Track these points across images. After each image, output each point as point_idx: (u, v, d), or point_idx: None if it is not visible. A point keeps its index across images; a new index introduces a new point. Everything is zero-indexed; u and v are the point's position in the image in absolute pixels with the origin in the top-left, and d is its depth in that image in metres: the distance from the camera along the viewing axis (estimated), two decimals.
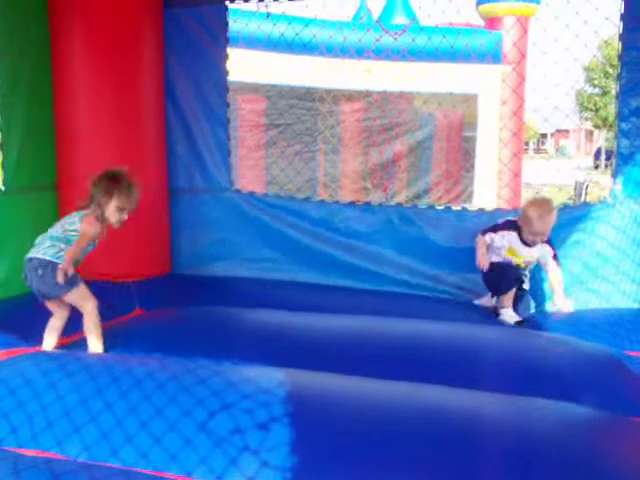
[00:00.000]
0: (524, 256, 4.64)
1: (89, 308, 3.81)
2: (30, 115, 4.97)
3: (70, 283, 3.75)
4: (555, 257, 4.64)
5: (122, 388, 2.97)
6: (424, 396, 2.96)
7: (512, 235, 4.62)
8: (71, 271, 3.69)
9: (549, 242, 4.62)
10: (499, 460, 2.46)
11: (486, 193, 10.82)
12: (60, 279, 3.65)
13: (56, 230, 3.82)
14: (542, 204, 4.58)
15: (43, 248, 3.76)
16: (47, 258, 3.73)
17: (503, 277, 4.62)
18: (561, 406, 2.94)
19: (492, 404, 2.90)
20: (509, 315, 4.52)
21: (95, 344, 3.81)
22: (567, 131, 43.77)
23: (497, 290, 4.68)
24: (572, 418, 2.82)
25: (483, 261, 4.62)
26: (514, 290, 4.61)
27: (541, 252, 4.64)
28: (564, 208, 5.00)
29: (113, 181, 3.82)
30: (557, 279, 4.63)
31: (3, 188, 4.85)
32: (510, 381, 3.32)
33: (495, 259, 4.68)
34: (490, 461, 2.45)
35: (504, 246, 4.65)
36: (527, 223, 4.52)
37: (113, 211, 3.79)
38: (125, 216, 3.85)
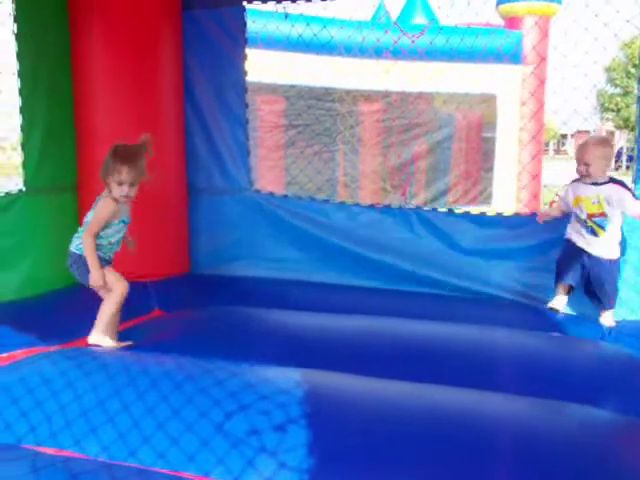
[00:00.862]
0: (588, 196, 4.39)
1: (114, 294, 3.90)
2: (50, 116, 5.01)
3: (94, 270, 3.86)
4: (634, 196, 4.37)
5: (139, 388, 2.98)
6: (441, 398, 2.95)
7: (574, 184, 4.53)
8: (91, 260, 3.80)
9: (624, 185, 4.42)
10: (516, 463, 2.44)
11: (505, 194, 10.77)
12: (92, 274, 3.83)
13: (85, 220, 3.94)
14: (589, 137, 4.59)
15: (74, 240, 3.93)
16: (76, 252, 3.89)
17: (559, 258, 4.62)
18: (580, 409, 2.92)
19: (510, 406, 2.88)
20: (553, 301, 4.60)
21: (96, 333, 3.90)
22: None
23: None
24: (591, 421, 2.80)
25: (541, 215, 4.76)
26: (567, 276, 4.57)
27: (609, 191, 4.35)
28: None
29: (109, 157, 3.85)
30: None
31: (24, 188, 4.89)
32: (529, 383, 3.30)
33: (569, 235, 4.60)
34: (506, 464, 2.44)
35: (571, 200, 4.52)
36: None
37: (115, 187, 3.82)
38: (127, 190, 3.84)
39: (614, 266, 4.43)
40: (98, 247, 3.90)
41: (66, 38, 5.10)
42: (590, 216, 4.41)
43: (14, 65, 4.76)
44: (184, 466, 2.56)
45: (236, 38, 5.54)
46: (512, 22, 11.06)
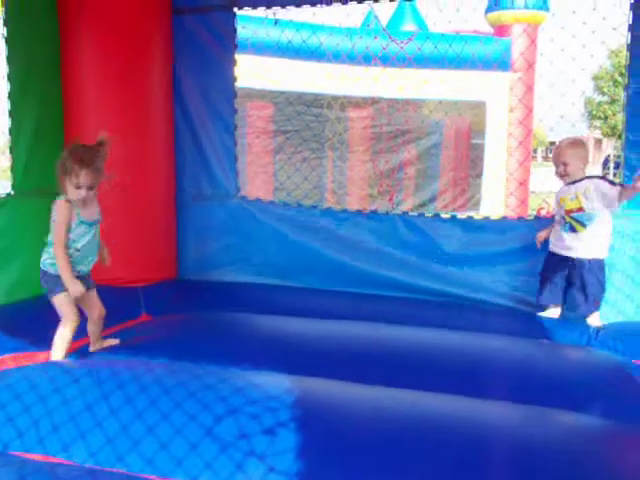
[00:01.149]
0: (569, 194, 4.44)
1: (66, 324, 3.71)
2: (39, 119, 4.99)
3: (50, 288, 3.73)
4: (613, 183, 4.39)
5: (128, 393, 2.98)
6: (430, 404, 2.95)
7: (559, 190, 4.60)
8: (64, 272, 3.62)
9: (601, 177, 4.51)
10: (506, 470, 2.45)
11: (493, 200, 10.81)
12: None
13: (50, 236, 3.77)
14: (563, 139, 4.65)
15: (42, 255, 3.81)
16: (42, 267, 3.79)
17: (542, 272, 4.65)
18: (568, 415, 2.93)
19: (499, 413, 2.89)
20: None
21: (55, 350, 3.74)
22: None
23: None
24: (579, 427, 2.81)
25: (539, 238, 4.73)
26: (552, 285, 4.58)
27: (586, 184, 4.39)
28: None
29: (67, 158, 3.65)
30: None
31: (12, 192, 4.87)
32: (517, 390, 3.31)
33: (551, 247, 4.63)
34: (496, 471, 2.44)
35: (556, 205, 4.63)
36: None
37: (71, 190, 3.63)
38: (85, 194, 3.64)
39: (595, 266, 4.41)
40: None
41: (56, 43, 5.09)
42: (568, 212, 4.44)
43: (3, 68, 4.75)
44: (172, 471, 2.56)
45: (226, 44, 5.54)
46: (500, 30, 11.13)
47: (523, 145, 10.10)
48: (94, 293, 3.97)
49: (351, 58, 9.37)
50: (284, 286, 5.37)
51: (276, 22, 6.55)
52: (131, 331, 4.40)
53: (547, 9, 10.86)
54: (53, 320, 4.01)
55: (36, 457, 2.70)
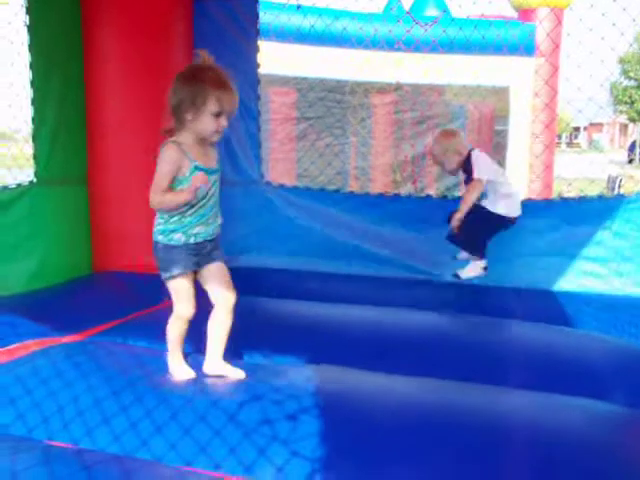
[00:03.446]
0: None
1: (175, 315, 3.12)
2: (62, 108, 5.01)
3: (163, 269, 3.03)
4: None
5: (153, 380, 2.99)
6: (450, 392, 2.94)
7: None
8: (172, 198, 2.90)
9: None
10: (525, 458, 2.42)
11: (518, 186, 10.72)
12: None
13: None
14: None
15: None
16: (153, 238, 3.07)
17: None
18: (588, 403, 2.89)
19: (519, 401, 2.86)
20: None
21: (170, 360, 3.15)
22: (601, 124, 43.16)
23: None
24: (599, 415, 2.77)
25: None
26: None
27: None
28: (600, 198, 4.95)
29: (194, 83, 2.92)
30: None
31: (35, 180, 4.89)
32: (537, 378, 3.27)
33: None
34: (515, 459, 2.41)
35: None
36: None
37: (205, 121, 2.91)
38: (225, 123, 2.94)
39: (480, 213, 4.44)
40: (174, 225, 2.97)
41: (78, 30, 5.09)
42: None
43: (25, 57, 4.76)
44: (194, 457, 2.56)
45: (248, 30, 5.52)
46: (525, 14, 10.98)
47: (549, 128, 9.98)
48: (221, 272, 3.11)
49: (374, 43, 9.30)
50: (308, 271, 5.35)
51: (298, 7, 6.50)
52: (152, 317, 4.41)
53: None
54: (75, 307, 4.03)
55: (59, 444, 2.72)
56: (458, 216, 4.38)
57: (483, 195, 4.53)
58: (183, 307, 3.04)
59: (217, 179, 3.05)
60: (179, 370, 3.08)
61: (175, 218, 2.96)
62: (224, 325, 3.07)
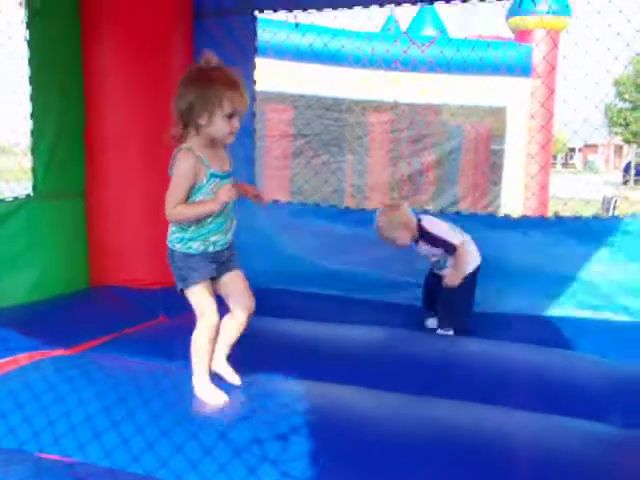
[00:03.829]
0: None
1: (201, 324, 2.95)
2: (61, 122, 5.02)
3: (182, 278, 2.94)
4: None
5: (144, 396, 2.98)
6: (445, 411, 2.93)
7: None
8: (195, 210, 2.83)
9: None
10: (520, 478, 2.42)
11: (513, 206, 10.77)
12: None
13: None
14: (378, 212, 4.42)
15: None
16: (168, 245, 3.02)
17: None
18: (584, 424, 2.89)
19: (516, 422, 2.86)
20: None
21: (196, 376, 2.97)
22: (596, 146, 43.35)
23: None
24: (595, 436, 2.78)
25: None
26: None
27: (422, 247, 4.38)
28: (595, 219, 4.97)
29: (204, 86, 2.80)
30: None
31: (32, 193, 4.90)
32: (533, 399, 3.27)
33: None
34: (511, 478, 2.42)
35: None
36: None
37: (219, 124, 2.80)
38: (237, 123, 2.83)
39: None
40: (191, 234, 2.88)
41: (77, 46, 5.11)
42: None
43: (25, 71, 4.79)
44: (186, 473, 2.55)
45: (246, 47, 5.54)
46: (522, 35, 11.08)
47: (545, 149, 10.04)
48: (240, 279, 3.03)
49: (371, 62, 9.36)
50: (301, 291, 5.34)
51: (297, 25, 6.54)
52: (148, 332, 4.41)
53: (569, 14, 10.79)
54: (72, 320, 4.01)
55: (52, 457, 2.71)
56: (456, 284, 4.23)
57: (439, 265, 4.41)
58: (207, 314, 2.90)
59: (231, 182, 2.95)
60: (209, 393, 2.91)
61: (192, 227, 2.88)
62: (237, 328, 3.02)
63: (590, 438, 2.73)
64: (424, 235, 4.29)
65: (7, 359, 3.67)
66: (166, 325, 4.63)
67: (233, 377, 3.03)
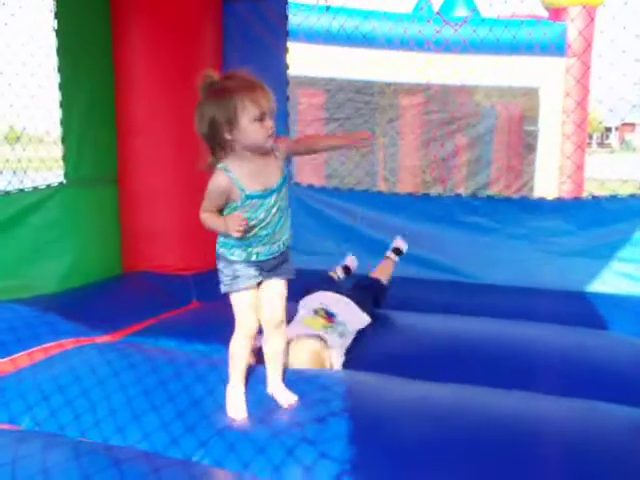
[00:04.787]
0: None
1: (237, 330, 2.83)
2: (91, 110, 5.06)
3: (224, 282, 2.82)
4: None
5: (184, 381, 3.00)
6: (483, 399, 2.89)
7: None
8: (212, 223, 2.71)
9: None
10: (561, 468, 2.38)
11: (547, 187, 10.62)
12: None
13: None
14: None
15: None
16: (217, 248, 2.86)
17: None
18: (625, 410, 2.84)
19: (556, 408, 2.81)
20: None
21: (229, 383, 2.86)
22: (633, 124, 42.58)
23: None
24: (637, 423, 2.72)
25: None
26: None
27: None
28: (632, 197, 4.90)
29: (223, 98, 2.58)
30: None
31: (64, 181, 4.94)
32: (573, 383, 3.23)
33: None
34: (551, 469, 2.37)
35: None
36: None
37: (250, 131, 2.56)
38: (272, 123, 2.59)
39: None
40: (233, 240, 2.70)
41: (107, 32, 5.14)
42: None
43: (54, 61, 4.82)
44: (225, 456, 2.56)
45: (277, 31, 5.52)
46: (556, 13, 10.87)
47: (580, 128, 9.86)
48: (276, 290, 2.85)
49: (403, 44, 9.27)
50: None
51: (327, 8, 6.50)
52: (181, 317, 4.44)
53: None
54: (105, 307, 4.05)
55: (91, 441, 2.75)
56: None
57: None
58: (242, 324, 2.78)
59: (283, 193, 2.72)
60: (232, 404, 2.80)
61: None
62: (275, 344, 2.85)
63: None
64: None
65: (52, 343, 3.74)
66: (200, 310, 4.66)
67: (285, 399, 2.79)
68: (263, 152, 2.64)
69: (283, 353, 2.90)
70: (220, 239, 2.78)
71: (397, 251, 4.65)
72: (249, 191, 2.61)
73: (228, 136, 2.57)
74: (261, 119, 2.54)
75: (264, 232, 2.69)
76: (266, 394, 2.84)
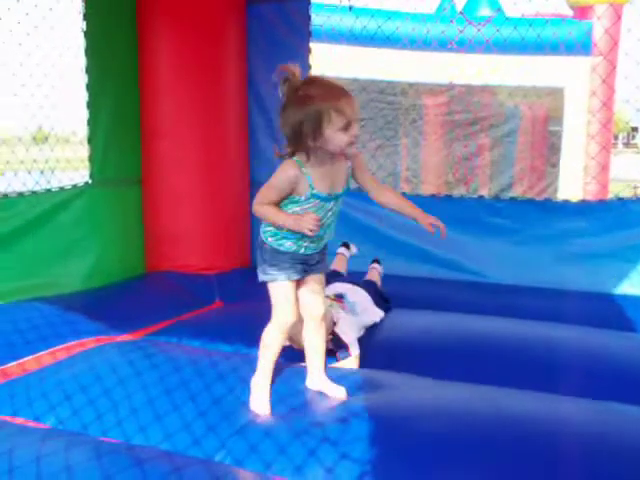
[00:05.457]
0: None
1: (273, 321, 2.82)
2: (117, 110, 5.10)
3: (265, 271, 2.79)
4: None
5: (206, 380, 3.01)
6: (504, 400, 2.86)
7: None
8: (273, 217, 2.69)
9: None
10: (579, 469, 2.36)
11: (572, 188, 10.53)
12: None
13: None
14: None
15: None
16: (261, 237, 2.84)
17: None
18: None
19: (575, 409, 2.79)
20: None
21: (256, 374, 2.87)
22: None
23: None
24: None
25: None
26: None
27: None
28: None
29: (311, 104, 2.54)
30: None
31: (90, 181, 4.98)
32: (598, 385, 3.20)
33: None
34: (568, 469, 2.35)
35: None
36: None
37: (337, 137, 2.55)
38: (357, 129, 2.59)
39: None
40: (288, 231, 2.69)
41: (133, 34, 5.18)
42: None
43: (82, 61, 4.86)
44: (246, 456, 2.57)
45: (300, 32, 5.52)
46: (582, 12, 10.76)
47: (605, 128, 9.76)
48: (317, 284, 2.86)
49: (426, 44, 9.23)
50: (359, 272, 5.33)
51: (350, 8, 6.49)
52: (204, 317, 4.45)
53: None
54: (128, 306, 4.06)
55: (113, 440, 2.76)
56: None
57: None
58: (282, 313, 2.76)
59: (340, 200, 2.78)
60: (256, 399, 2.81)
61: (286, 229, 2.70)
62: (316, 338, 2.88)
63: None
64: None
65: (74, 342, 3.78)
66: (222, 310, 4.68)
67: (338, 391, 2.83)
68: (339, 157, 2.67)
69: (324, 348, 2.93)
70: (268, 228, 2.77)
71: (346, 245, 4.80)
72: (316, 190, 2.64)
73: (312, 143, 2.57)
74: (346, 128, 2.55)
75: (320, 231, 2.69)
76: (288, 391, 2.85)
